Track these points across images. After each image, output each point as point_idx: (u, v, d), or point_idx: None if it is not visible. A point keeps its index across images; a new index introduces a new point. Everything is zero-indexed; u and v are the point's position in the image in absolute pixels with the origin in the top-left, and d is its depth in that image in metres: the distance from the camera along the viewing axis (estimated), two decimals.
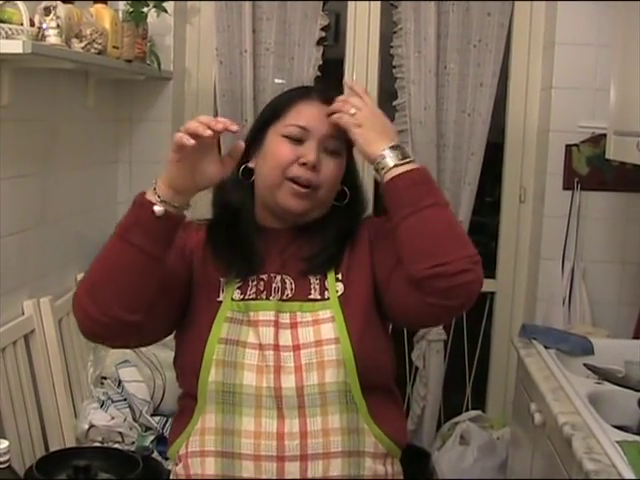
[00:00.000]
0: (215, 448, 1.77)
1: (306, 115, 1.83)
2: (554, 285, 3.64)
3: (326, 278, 1.83)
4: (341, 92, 1.94)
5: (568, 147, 3.62)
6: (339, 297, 1.81)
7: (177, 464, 1.86)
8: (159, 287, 1.73)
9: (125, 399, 3.09)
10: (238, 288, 1.82)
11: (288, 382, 1.74)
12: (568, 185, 3.64)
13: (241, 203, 1.89)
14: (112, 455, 2.83)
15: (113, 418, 3.04)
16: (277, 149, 1.83)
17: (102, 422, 3.03)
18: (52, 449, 2.92)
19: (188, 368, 1.81)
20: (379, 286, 1.82)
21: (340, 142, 1.84)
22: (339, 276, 1.83)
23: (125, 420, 3.05)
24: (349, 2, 3.91)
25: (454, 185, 3.84)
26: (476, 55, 3.77)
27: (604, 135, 3.17)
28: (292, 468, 1.72)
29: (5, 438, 2.42)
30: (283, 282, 1.83)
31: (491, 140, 3.84)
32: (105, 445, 2.99)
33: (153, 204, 1.68)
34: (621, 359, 2.89)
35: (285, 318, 1.79)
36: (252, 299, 1.81)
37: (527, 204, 3.91)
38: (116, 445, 3.00)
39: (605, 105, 3.09)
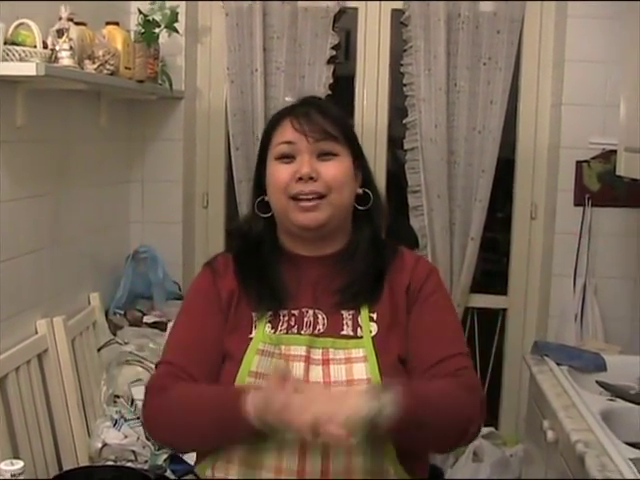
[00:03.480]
0: (237, 470, 1.75)
1: (289, 129, 1.81)
2: (566, 301, 3.64)
3: (359, 314, 1.81)
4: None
5: (579, 163, 3.63)
6: (372, 337, 1.78)
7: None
8: None
9: (138, 417, 3.09)
10: (269, 322, 1.80)
11: None
12: (579, 201, 3.64)
13: (262, 235, 1.88)
14: (125, 474, 2.83)
15: (126, 437, 3.05)
16: (273, 174, 1.82)
17: (115, 441, 3.03)
18: (65, 468, 2.92)
19: None
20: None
21: (335, 142, 1.81)
22: (373, 316, 1.81)
23: (138, 439, 3.05)
24: (359, 20, 3.93)
25: (465, 202, 3.84)
26: (486, 73, 3.77)
27: (614, 151, 3.17)
28: None
29: (19, 457, 2.44)
30: (315, 317, 1.81)
31: (502, 157, 3.84)
32: (118, 464, 2.99)
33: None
34: (634, 376, 2.88)
35: (317, 354, 1.76)
36: (284, 333, 1.79)
37: (538, 220, 3.92)
38: (129, 464, 3.00)
39: (615, 121, 3.10)
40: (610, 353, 3.15)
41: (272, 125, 1.87)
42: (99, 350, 3.36)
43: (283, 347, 1.76)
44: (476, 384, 1.80)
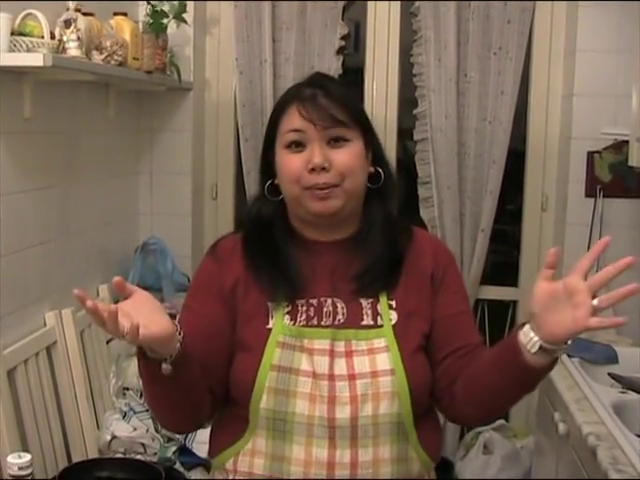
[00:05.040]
0: (264, 472, 1.74)
1: (296, 116, 1.76)
2: None
3: (378, 302, 1.78)
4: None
5: (590, 154, 3.60)
6: (392, 326, 1.76)
7: (224, 476, 1.82)
8: (206, 382, 1.72)
9: (147, 410, 3.09)
10: (287, 314, 1.76)
11: (342, 413, 1.69)
12: (590, 192, 3.61)
13: (272, 218, 1.84)
14: (134, 466, 2.83)
15: (135, 429, 3.05)
16: (284, 164, 1.77)
17: (124, 433, 3.03)
18: (75, 460, 2.93)
19: (239, 392, 1.75)
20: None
21: (345, 127, 1.76)
22: (392, 303, 1.79)
23: (147, 431, 3.05)
24: (369, 11, 3.91)
25: (475, 193, 3.82)
26: (496, 63, 3.75)
27: (626, 142, 3.15)
28: None
29: (28, 450, 2.44)
30: (334, 306, 1.78)
31: (512, 148, 3.82)
32: (127, 456, 2.99)
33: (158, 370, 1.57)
34: None
35: (340, 346, 1.74)
36: (304, 326, 1.76)
37: (549, 212, 3.90)
38: (138, 456, 3.00)
39: (627, 111, 3.07)
40: (622, 345, 3.14)
41: (279, 110, 1.81)
42: (108, 342, 3.36)
43: (306, 340, 1.73)
44: None
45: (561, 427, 2.55)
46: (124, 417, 3.09)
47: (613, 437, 2.22)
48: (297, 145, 1.76)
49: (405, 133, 3.98)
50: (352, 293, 1.78)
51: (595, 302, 1.46)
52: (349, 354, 1.73)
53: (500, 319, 4.03)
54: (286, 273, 1.78)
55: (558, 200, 3.83)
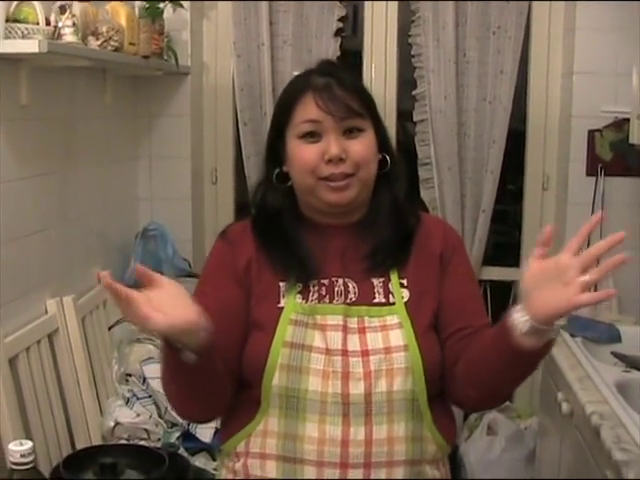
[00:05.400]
0: (277, 452, 1.74)
1: (312, 107, 1.75)
2: None
3: (390, 280, 1.79)
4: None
5: (591, 133, 3.59)
6: (405, 303, 1.77)
7: (235, 461, 1.82)
8: (227, 371, 1.71)
9: (150, 396, 3.09)
10: (299, 293, 1.77)
11: (356, 389, 1.70)
12: (591, 171, 3.60)
13: (281, 205, 1.84)
14: (138, 452, 2.82)
15: (138, 415, 3.04)
16: (299, 154, 1.76)
17: (127, 419, 3.03)
18: (78, 447, 2.93)
19: (251, 371, 1.75)
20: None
21: (360, 117, 1.77)
22: (404, 281, 1.79)
23: (150, 417, 3.05)
24: None
25: (476, 174, 3.81)
26: (495, 42, 3.73)
27: (627, 120, 3.14)
28: (355, 475, 1.69)
29: (31, 437, 2.44)
30: (346, 286, 1.79)
31: (512, 128, 3.80)
32: (131, 442, 2.99)
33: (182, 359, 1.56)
34: None
35: (353, 323, 1.74)
36: (316, 304, 1.76)
37: (550, 191, 3.88)
38: (142, 442, 3.00)
39: (627, 89, 3.06)
40: (625, 324, 3.13)
41: (292, 99, 1.80)
42: (110, 329, 3.36)
43: (319, 317, 1.74)
44: None
45: (564, 407, 2.55)
46: (127, 403, 3.09)
47: (617, 416, 2.21)
48: (312, 135, 1.75)
49: (404, 114, 3.96)
50: (363, 272, 1.79)
51: (586, 277, 1.46)
52: (362, 330, 1.74)
53: (502, 299, 4.02)
54: (298, 255, 1.80)
55: (559, 179, 3.82)
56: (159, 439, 3.04)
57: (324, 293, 1.77)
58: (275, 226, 1.83)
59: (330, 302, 1.76)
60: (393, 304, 1.77)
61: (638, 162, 3.53)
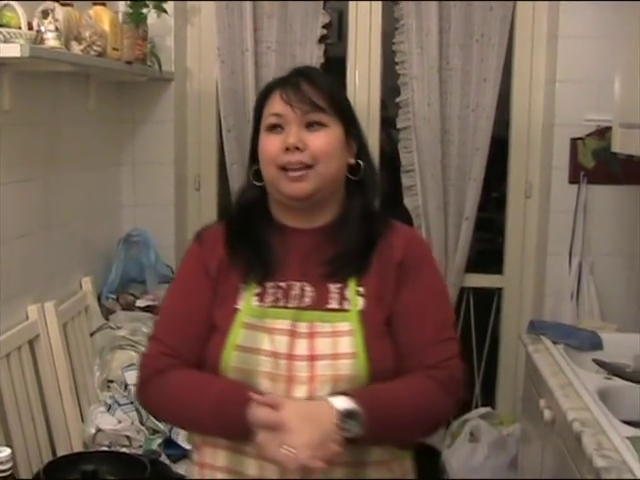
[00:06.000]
0: (227, 443, 1.78)
1: (278, 101, 1.82)
2: (562, 280, 3.62)
3: (347, 287, 1.81)
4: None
5: (573, 141, 3.61)
6: (359, 311, 1.78)
7: (193, 450, 1.89)
8: None
9: (132, 402, 3.07)
10: (256, 295, 1.81)
11: (299, 392, 1.72)
12: (574, 179, 3.62)
13: (255, 202, 1.89)
14: (120, 459, 2.82)
15: (120, 422, 3.03)
16: (264, 145, 1.83)
17: (109, 426, 3.01)
18: (59, 454, 2.91)
19: (209, 371, 1.80)
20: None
21: (323, 113, 1.81)
22: (361, 290, 1.80)
23: (132, 424, 3.04)
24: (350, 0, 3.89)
25: (459, 181, 3.81)
26: (479, 50, 3.74)
27: (610, 128, 3.15)
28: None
29: (11, 444, 2.42)
30: (302, 290, 1.81)
31: (496, 135, 3.81)
32: (112, 449, 2.97)
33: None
34: (630, 353, 2.87)
35: (303, 327, 1.76)
36: (269, 307, 1.79)
37: (533, 199, 3.89)
38: (123, 449, 2.99)
39: (610, 98, 3.07)
40: (606, 331, 3.14)
41: (263, 96, 1.88)
42: (92, 335, 3.34)
43: (268, 320, 1.77)
44: (458, 377, 1.80)
45: (546, 414, 2.56)
46: (109, 410, 3.08)
47: (598, 423, 2.22)
48: (276, 127, 1.82)
49: (388, 121, 3.97)
50: (321, 277, 1.81)
51: None
52: (312, 335, 1.76)
53: (485, 307, 4.04)
54: (259, 256, 1.84)
55: (542, 187, 3.83)
56: (140, 446, 3.02)
57: (280, 296, 1.81)
58: (246, 227, 1.88)
59: (284, 305, 1.79)
60: (347, 311, 1.78)
61: (620, 170, 3.55)
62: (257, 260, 1.83)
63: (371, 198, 1.90)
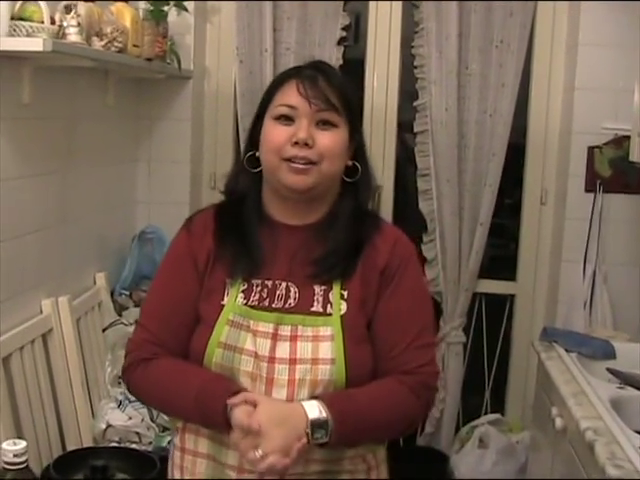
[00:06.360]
0: (208, 432, 1.82)
1: (293, 92, 1.81)
2: (575, 288, 3.61)
3: (331, 290, 1.82)
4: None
5: (590, 149, 3.59)
6: (341, 316, 1.80)
7: (175, 434, 1.93)
8: None
9: None
10: (242, 292, 1.83)
11: (279, 395, 1.75)
12: (590, 187, 3.60)
13: (247, 189, 1.90)
14: (129, 455, 2.83)
15: (130, 418, 3.04)
16: (270, 133, 1.82)
17: (119, 422, 3.02)
18: (69, 449, 2.92)
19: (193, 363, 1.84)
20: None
21: (336, 113, 1.82)
22: (344, 293, 1.82)
23: (142, 420, 3.04)
24: (370, 2, 3.89)
25: (475, 186, 3.81)
26: (498, 55, 3.73)
27: (627, 137, 3.14)
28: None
29: (22, 437, 2.42)
30: (287, 290, 1.83)
31: (512, 141, 3.80)
32: (122, 445, 2.98)
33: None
34: None
35: (285, 330, 1.79)
36: (254, 306, 1.81)
37: (548, 206, 3.88)
38: (133, 445, 3.00)
39: (628, 106, 3.06)
40: (619, 340, 3.13)
41: (277, 83, 1.88)
42: (104, 330, 3.35)
43: (252, 322, 1.79)
44: (431, 383, 1.84)
45: (558, 422, 2.55)
46: (119, 406, 3.08)
47: (611, 432, 2.21)
48: (286, 119, 1.81)
49: (405, 125, 3.96)
50: (307, 278, 1.83)
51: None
52: (294, 338, 1.79)
53: (498, 313, 4.03)
54: (247, 248, 1.85)
55: (557, 194, 3.82)
56: (150, 442, 3.03)
57: (265, 295, 1.82)
58: (235, 218, 1.89)
59: (269, 305, 1.81)
60: (329, 315, 1.80)
61: (637, 179, 3.54)
62: (244, 256, 1.84)
63: (364, 199, 1.92)
